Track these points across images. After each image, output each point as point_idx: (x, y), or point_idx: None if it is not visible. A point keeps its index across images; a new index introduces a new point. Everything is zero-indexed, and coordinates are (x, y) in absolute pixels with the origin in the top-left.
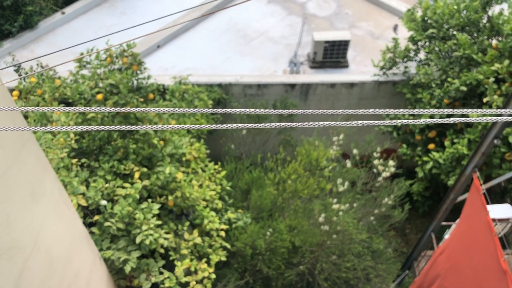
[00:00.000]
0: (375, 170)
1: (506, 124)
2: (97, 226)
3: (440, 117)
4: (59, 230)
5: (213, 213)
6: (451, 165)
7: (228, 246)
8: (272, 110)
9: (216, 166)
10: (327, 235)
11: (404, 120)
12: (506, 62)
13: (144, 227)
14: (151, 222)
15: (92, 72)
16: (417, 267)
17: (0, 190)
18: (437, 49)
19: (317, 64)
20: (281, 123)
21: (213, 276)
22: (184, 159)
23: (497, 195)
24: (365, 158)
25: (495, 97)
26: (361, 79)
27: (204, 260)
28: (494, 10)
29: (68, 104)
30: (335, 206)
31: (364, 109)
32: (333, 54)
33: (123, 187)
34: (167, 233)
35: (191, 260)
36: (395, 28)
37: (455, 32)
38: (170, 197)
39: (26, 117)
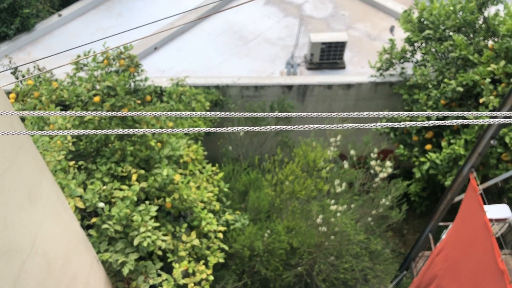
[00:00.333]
0: (372, 171)
1: (502, 124)
2: (94, 229)
3: (437, 119)
4: (57, 233)
5: (210, 215)
6: (448, 166)
7: (226, 247)
8: (269, 113)
9: (214, 168)
10: (325, 236)
11: (401, 123)
12: (502, 62)
13: (142, 229)
14: (149, 224)
15: (89, 74)
16: (415, 268)
17: None
18: (433, 50)
19: (314, 65)
20: (278, 126)
21: (211, 278)
22: (181, 161)
23: (494, 195)
24: (363, 159)
25: (491, 97)
26: (358, 80)
27: (202, 262)
28: (490, 11)
29: (65, 107)
30: (333, 207)
31: (361, 112)
32: (330, 55)
33: (121, 189)
34: (165, 235)
35: (189, 262)
36: (391, 29)
37: (451, 33)
38: (167, 199)
39: (23, 119)
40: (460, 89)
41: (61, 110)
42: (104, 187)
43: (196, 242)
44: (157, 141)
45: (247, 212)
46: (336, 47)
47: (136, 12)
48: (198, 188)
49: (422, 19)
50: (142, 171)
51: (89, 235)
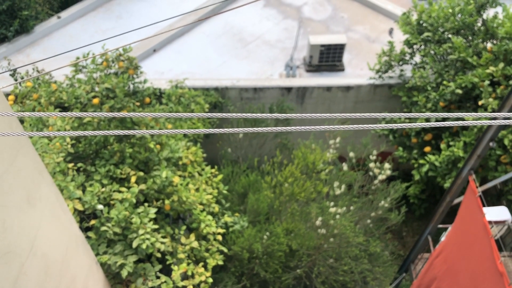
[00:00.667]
0: (371, 173)
1: (501, 126)
2: (93, 231)
3: (436, 121)
4: (56, 235)
5: (210, 217)
6: (447, 168)
7: (225, 250)
8: (268, 114)
9: (213, 170)
10: (324, 239)
11: (400, 124)
12: (501, 65)
13: (141, 232)
14: (148, 226)
15: (88, 76)
16: (414, 270)
17: None
18: (432, 52)
19: (313, 67)
20: (277, 127)
21: (210, 280)
22: (180, 163)
23: (493, 198)
24: (362, 161)
25: (490, 99)
26: (357, 82)
27: (201, 264)
28: (489, 13)
29: (64, 109)
30: (332, 209)
31: (360, 113)
32: (329, 57)
33: (120, 192)
34: (163, 237)
35: (188, 264)
36: (390, 31)
37: (450, 36)
38: (166, 201)
39: (22, 121)
40: (459, 91)
41: (60, 112)
42: (103, 189)
43: (195, 244)
44: (156, 143)
45: (246, 214)
46: (335, 49)
47: (135, 14)
48: (197, 190)
49: (421, 22)
50: (141, 173)
51: (88, 237)
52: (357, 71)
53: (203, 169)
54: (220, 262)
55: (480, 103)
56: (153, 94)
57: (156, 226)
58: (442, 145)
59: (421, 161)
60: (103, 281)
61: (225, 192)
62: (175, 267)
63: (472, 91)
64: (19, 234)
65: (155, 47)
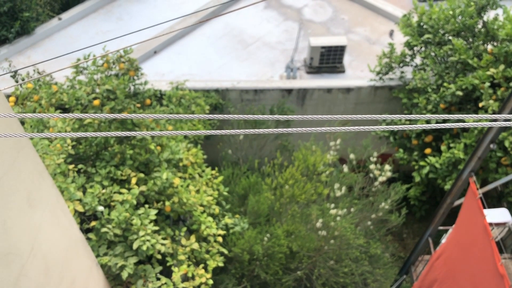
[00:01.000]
0: (371, 175)
1: (502, 128)
2: (94, 232)
3: (436, 122)
4: (56, 236)
5: (210, 219)
6: (448, 170)
7: (226, 251)
8: (269, 116)
9: (213, 172)
10: (324, 240)
11: (401, 126)
12: (502, 67)
13: (141, 233)
14: (148, 227)
15: (89, 78)
16: (415, 272)
17: None
18: (433, 54)
19: (313, 69)
20: (278, 129)
21: (211, 282)
22: (181, 164)
23: (493, 199)
24: (362, 163)
25: (491, 101)
26: (357, 84)
27: (202, 265)
28: (489, 15)
29: (65, 110)
30: (333, 211)
31: (361, 115)
32: (329, 59)
33: (120, 193)
34: (164, 238)
35: (188, 266)
36: (391, 33)
37: (450, 37)
38: (167, 203)
39: (22, 123)
40: (460, 93)
41: (61, 113)
42: (104, 191)
43: (195, 246)
44: (156, 145)
45: (247, 216)
46: (335, 51)
47: (135, 16)
48: (197, 191)
49: (421, 24)
50: (142, 175)
51: (88, 239)
52: (358, 73)
53: (203, 171)
54: (221, 264)
55: (480, 105)
56: (153, 95)
57: (156, 228)
58: (443, 147)
59: (422, 163)
60: (103, 283)
61: (225, 193)
62: (175, 269)
63: (473, 93)
64: (19, 236)
65: (156, 49)
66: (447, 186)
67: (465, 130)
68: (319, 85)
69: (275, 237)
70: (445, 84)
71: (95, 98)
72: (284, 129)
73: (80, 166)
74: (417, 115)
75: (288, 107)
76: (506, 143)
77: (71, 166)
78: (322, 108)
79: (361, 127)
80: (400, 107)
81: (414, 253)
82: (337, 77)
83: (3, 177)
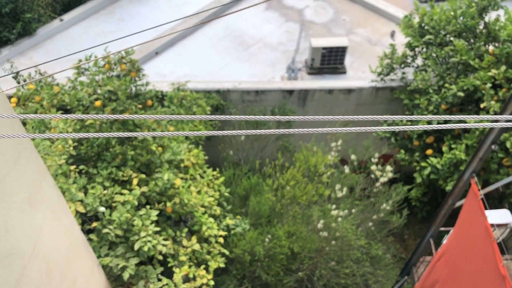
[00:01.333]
0: (373, 176)
1: (504, 129)
2: (95, 233)
3: (438, 123)
4: (57, 237)
5: (211, 220)
6: (449, 171)
7: (227, 252)
8: (270, 116)
9: (215, 172)
10: (326, 241)
11: (402, 126)
12: (503, 68)
13: (143, 234)
14: (150, 228)
15: (91, 79)
16: (416, 273)
17: None
18: (434, 55)
19: (314, 70)
20: (279, 130)
21: (212, 283)
22: (182, 165)
23: (495, 200)
24: (363, 164)
25: (492, 102)
26: (358, 85)
27: (203, 266)
28: (491, 16)
29: (67, 111)
30: (334, 212)
31: (362, 116)
32: (330, 60)
33: (122, 194)
34: (165, 239)
35: (190, 266)
36: (392, 34)
37: (452, 38)
38: (168, 204)
39: (24, 123)
40: (461, 94)
41: (62, 114)
42: (105, 192)
43: (196, 246)
44: (158, 146)
45: (248, 217)
46: (337, 52)
47: (137, 17)
48: (198, 192)
49: (422, 24)
50: (143, 176)
51: (89, 240)
52: (359, 74)
53: (204, 172)
54: (222, 265)
55: (482, 105)
56: (155, 96)
57: (157, 229)
58: (444, 148)
59: (423, 164)
60: (104, 284)
61: (226, 194)
62: (176, 270)
63: (474, 94)
64: (21, 236)
65: (157, 50)
66: (449, 187)
67: (466, 131)
68: (320, 86)
69: (276, 238)
70: (446, 85)
71: (96, 99)
72: (285, 130)
73: (81, 167)
74: (419, 116)
75: (289, 108)
76: (508, 144)
77: (72, 167)
78: (323, 109)
79: (362, 128)
80: (402, 108)
81: (416, 254)
82: (338, 78)
83: (5, 178)
